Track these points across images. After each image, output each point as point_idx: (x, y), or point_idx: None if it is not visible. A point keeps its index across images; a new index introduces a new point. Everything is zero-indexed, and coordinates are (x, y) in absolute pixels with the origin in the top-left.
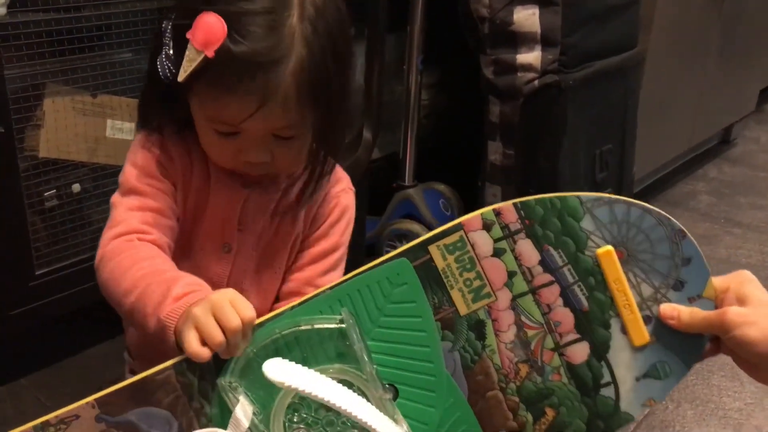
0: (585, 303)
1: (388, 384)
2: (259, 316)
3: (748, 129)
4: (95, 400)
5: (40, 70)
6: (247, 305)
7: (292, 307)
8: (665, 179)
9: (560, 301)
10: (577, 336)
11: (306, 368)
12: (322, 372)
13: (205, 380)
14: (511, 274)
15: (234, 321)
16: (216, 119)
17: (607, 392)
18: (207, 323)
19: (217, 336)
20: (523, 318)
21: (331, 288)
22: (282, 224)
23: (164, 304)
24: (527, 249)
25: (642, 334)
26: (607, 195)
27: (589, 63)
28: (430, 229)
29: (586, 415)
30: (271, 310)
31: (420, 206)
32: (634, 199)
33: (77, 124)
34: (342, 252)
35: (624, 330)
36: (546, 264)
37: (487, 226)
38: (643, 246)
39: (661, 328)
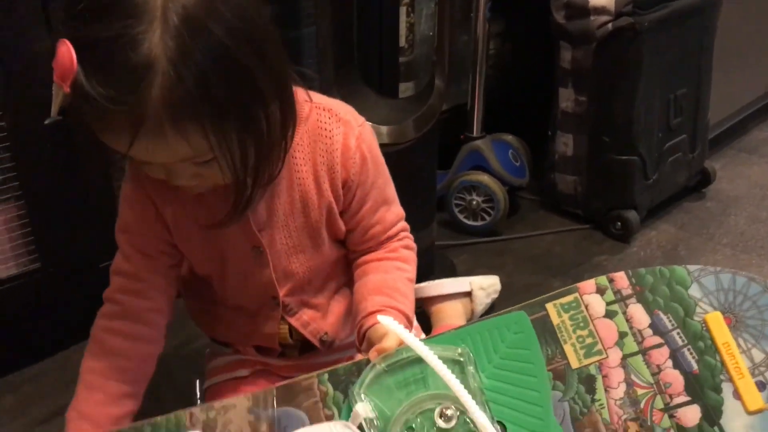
0: (695, 366)
1: (498, 420)
2: (315, 285)
3: None
4: (251, 395)
5: None
6: None
7: (420, 340)
8: (740, 125)
9: (670, 362)
10: (688, 398)
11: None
12: (436, 395)
13: (339, 391)
14: (622, 335)
15: None
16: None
17: None
18: None
19: None
20: (633, 377)
21: (455, 329)
22: (305, 201)
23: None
24: (638, 312)
25: (756, 399)
26: (712, 267)
27: (664, 3)
28: (500, 179)
29: None
30: (331, 274)
31: (489, 157)
32: (709, 145)
33: None
34: (390, 181)
35: (737, 395)
36: (656, 327)
37: (600, 291)
38: (751, 312)
39: None
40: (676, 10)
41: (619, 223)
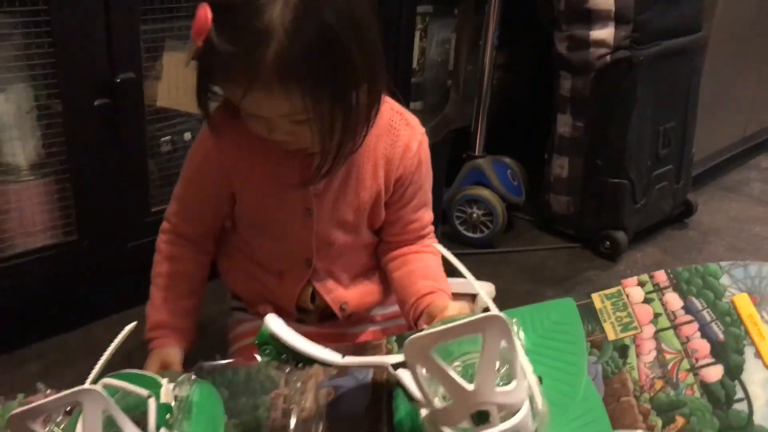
0: (721, 336)
1: (536, 375)
2: (345, 260)
3: None
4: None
5: (168, 26)
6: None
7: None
8: (720, 167)
9: (698, 334)
10: (712, 360)
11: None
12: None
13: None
14: (656, 315)
15: None
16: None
17: (740, 407)
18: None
19: None
20: (663, 345)
21: (506, 311)
22: (359, 181)
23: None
24: (673, 299)
25: None
26: (742, 261)
27: (658, 41)
28: (500, 195)
29: (717, 425)
30: (360, 256)
31: (489, 174)
32: (692, 183)
33: (189, 77)
34: (431, 187)
35: (758, 355)
36: (688, 308)
37: (641, 284)
38: None
39: None
40: (668, 48)
41: (608, 243)
